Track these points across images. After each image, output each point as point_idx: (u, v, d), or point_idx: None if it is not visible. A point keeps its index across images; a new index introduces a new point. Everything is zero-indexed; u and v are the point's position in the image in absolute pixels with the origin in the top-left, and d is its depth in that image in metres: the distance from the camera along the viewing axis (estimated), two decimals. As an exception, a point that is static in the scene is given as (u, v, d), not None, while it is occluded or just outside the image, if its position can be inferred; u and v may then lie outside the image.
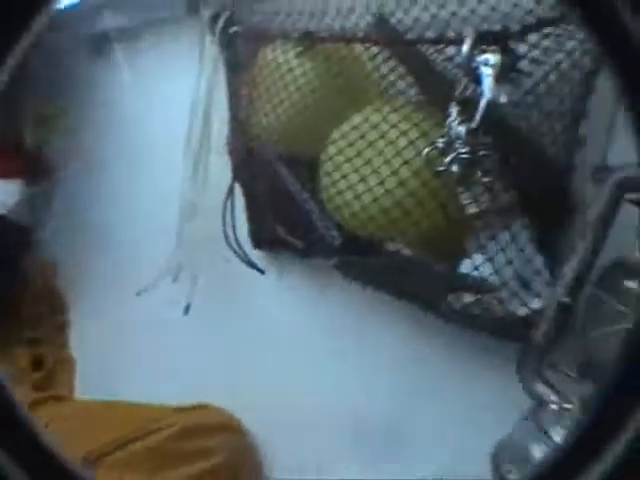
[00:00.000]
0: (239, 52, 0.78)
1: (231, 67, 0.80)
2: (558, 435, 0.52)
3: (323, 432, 0.83)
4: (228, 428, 0.91)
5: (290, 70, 0.68)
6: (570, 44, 0.55)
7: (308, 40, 0.66)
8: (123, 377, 1.02)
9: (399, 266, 0.65)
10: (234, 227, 0.82)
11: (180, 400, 0.93)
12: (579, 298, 0.56)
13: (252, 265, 0.83)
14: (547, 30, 0.56)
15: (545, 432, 0.54)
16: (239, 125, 0.77)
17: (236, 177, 0.80)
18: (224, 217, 0.82)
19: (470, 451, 0.67)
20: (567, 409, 0.55)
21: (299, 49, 0.67)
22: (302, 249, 0.75)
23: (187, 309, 0.90)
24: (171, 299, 0.91)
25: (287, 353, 0.85)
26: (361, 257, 0.67)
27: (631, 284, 0.51)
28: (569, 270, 0.57)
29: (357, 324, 0.79)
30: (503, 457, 0.56)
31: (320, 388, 0.82)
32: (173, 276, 0.90)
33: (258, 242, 0.84)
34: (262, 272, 0.84)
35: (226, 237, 0.82)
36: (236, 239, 0.82)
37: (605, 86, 0.56)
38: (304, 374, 0.84)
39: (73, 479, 0.36)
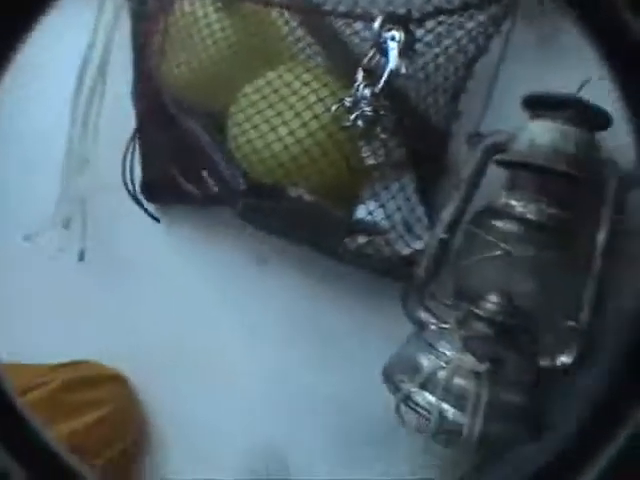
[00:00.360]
0: (148, 1, 0.81)
1: (138, 17, 0.82)
2: (442, 347, 0.64)
3: (216, 384, 0.87)
4: (113, 379, 0.92)
5: (208, 24, 0.73)
6: (459, 33, 0.68)
7: (227, -2, 0.73)
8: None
9: (300, 211, 0.73)
10: (132, 178, 0.84)
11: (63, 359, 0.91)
12: (455, 236, 0.69)
13: (150, 214, 0.86)
14: (441, 19, 0.68)
15: (430, 344, 0.66)
16: (145, 75, 0.80)
17: (139, 128, 0.83)
18: (124, 167, 0.84)
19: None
20: (445, 328, 0.67)
21: (218, 5, 0.73)
22: (204, 198, 0.80)
23: (82, 255, 0.91)
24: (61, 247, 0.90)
25: (179, 304, 0.88)
26: (265, 202, 0.75)
27: (497, 222, 0.64)
28: (446, 214, 0.70)
29: (250, 272, 0.85)
30: (395, 369, 0.67)
31: (214, 340, 0.87)
32: (63, 224, 0.90)
33: (152, 195, 0.86)
34: (158, 220, 0.87)
35: (126, 187, 0.84)
36: (134, 189, 0.84)
37: (482, 68, 0.70)
38: (195, 326, 0.87)
39: (73, 477, 0.37)
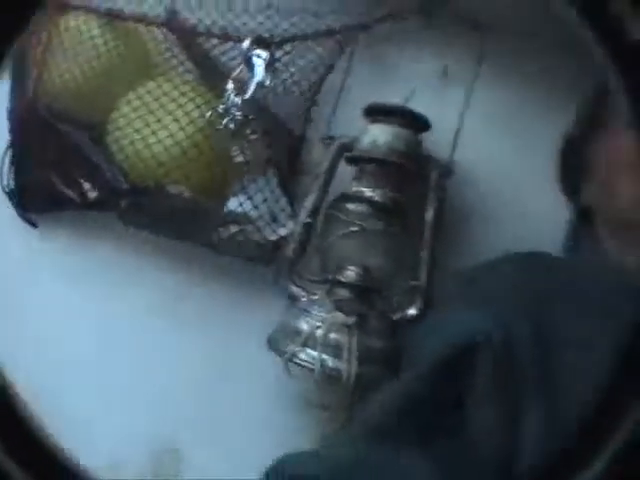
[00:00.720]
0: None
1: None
2: (315, 311, 0.76)
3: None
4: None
5: (92, 38, 0.80)
6: (311, 55, 0.82)
7: (110, 15, 0.81)
8: None
9: (180, 207, 0.82)
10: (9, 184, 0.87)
11: None
12: (317, 220, 0.82)
13: (27, 220, 0.88)
14: (297, 43, 0.82)
15: (306, 311, 0.77)
16: (20, 85, 0.84)
17: (15, 136, 0.85)
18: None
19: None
20: (314, 300, 0.79)
21: (102, 21, 0.81)
22: (83, 203, 0.84)
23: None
24: None
25: (58, 304, 0.90)
26: (147, 200, 0.82)
27: (351, 205, 0.78)
28: (309, 202, 0.83)
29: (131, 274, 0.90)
30: (278, 337, 0.78)
31: (95, 342, 0.88)
32: None
33: (28, 202, 0.88)
34: (35, 226, 0.89)
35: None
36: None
37: (331, 82, 0.85)
38: (77, 330, 0.88)
39: (73, 478, 0.38)
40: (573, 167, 0.76)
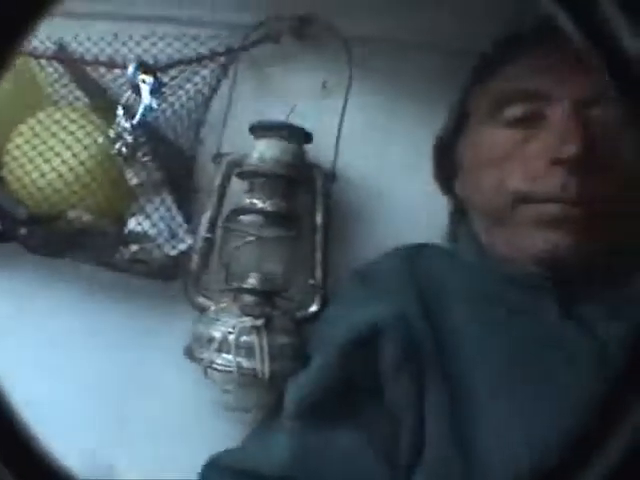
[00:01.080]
0: None
1: None
2: (225, 318, 0.80)
3: None
4: None
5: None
6: (196, 78, 0.87)
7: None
8: None
9: (80, 230, 0.83)
10: None
11: None
12: (215, 233, 0.87)
13: None
14: (182, 67, 0.86)
15: (216, 319, 0.81)
16: None
17: None
18: None
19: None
20: (222, 308, 0.83)
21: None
22: None
23: None
24: None
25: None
26: (47, 226, 0.83)
27: (246, 217, 0.83)
28: (205, 218, 0.87)
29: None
30: (194, 346, 0.82)
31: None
32: None
33: None
34: None
35: None
36: None
37: (218, 103, 0.90)
38: None
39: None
40: (446, 164, 0.84)
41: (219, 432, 0.85)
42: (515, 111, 0.74)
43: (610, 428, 0.33)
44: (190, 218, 0.87)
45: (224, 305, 0.84)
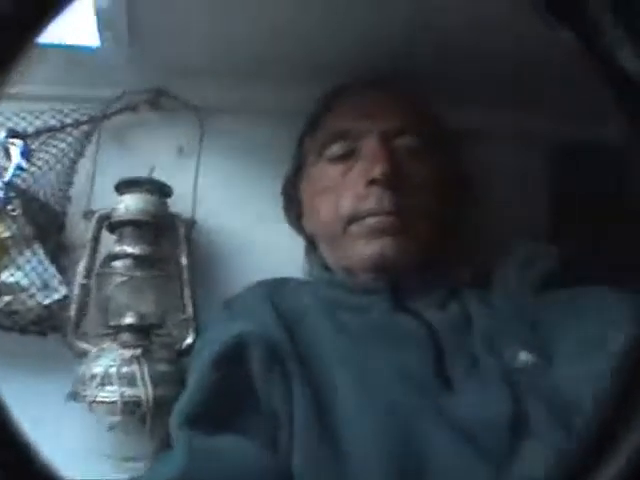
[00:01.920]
0: None
1: None
2: (106, 356, 0.86)
3: None
4: None
5: None
6: (62, 144, 0.96)
7: None
8: None
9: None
10: None
11: None
12: (91, 280, 0.93)
13: None
14: (49, 134, 0.94)
15: (98, 357, 0.86)
16: None
17: None
18: None
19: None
20: (103, 348, 0.89)
21: None
22: None
23: None
24: None
25: None
26: None
27: (119, 262, 0.91)
28: (81, 267, 0.94)
29: None
30: (77, 387, 0.85)
31: None
32: None
33: None
34: None
35: None
36: None
37: (85, 165, 0.97)
38: None
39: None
40: (293, 203, 0.98)
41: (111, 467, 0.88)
42: (336, 149, 0.90)
43: (623, 426, 0.33)
44: (64, 270, 0.94)
45: (105, 346, 0.89)
